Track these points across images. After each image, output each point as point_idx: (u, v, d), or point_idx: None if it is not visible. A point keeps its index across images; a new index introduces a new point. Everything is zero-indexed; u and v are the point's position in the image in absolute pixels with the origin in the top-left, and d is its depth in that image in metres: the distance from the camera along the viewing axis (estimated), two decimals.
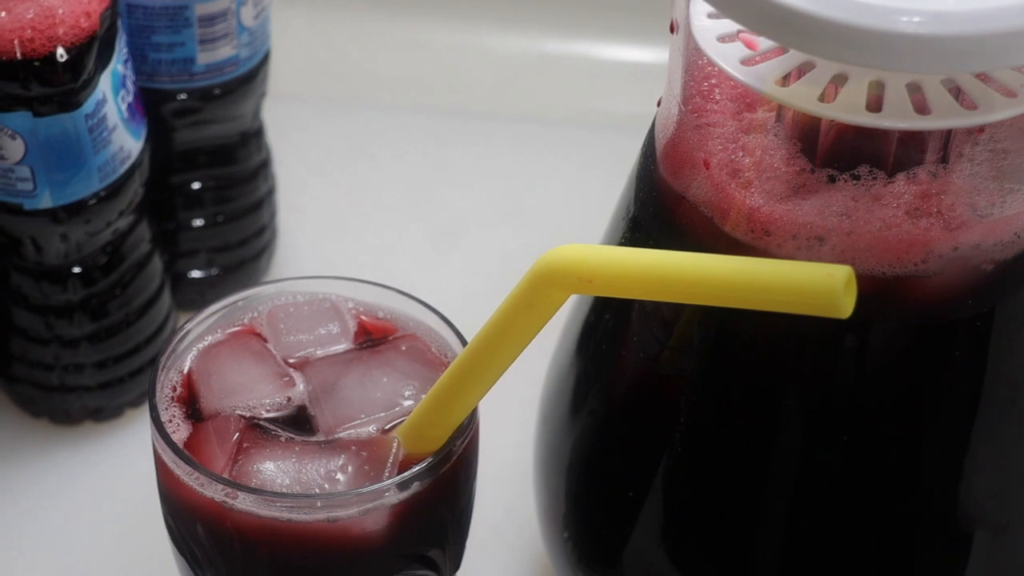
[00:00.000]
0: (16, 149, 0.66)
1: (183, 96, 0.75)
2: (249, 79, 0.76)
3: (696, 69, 0.55)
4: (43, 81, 0.65)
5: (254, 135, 0.80)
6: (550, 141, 0.94)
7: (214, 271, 0.81)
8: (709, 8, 0.52)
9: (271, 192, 0.83)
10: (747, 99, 0.54)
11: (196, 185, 0.79)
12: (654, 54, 0.99)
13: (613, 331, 0.60)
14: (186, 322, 0.59)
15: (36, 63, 0.64)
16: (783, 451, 0.56)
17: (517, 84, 1.00)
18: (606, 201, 0.61)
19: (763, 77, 0.52)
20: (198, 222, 0.80)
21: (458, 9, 1.02)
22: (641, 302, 0.58)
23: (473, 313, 0.55)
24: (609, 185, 0.62)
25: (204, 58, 0.74)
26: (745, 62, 0.52)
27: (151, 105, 0.74)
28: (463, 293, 0.61)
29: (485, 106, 0.97)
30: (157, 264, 0.76)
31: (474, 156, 0.93)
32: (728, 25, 0.53)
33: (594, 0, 0.99)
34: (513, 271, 0.51)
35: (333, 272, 0.61)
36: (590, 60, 1.01)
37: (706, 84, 0.55)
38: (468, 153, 0.93)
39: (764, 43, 0.52)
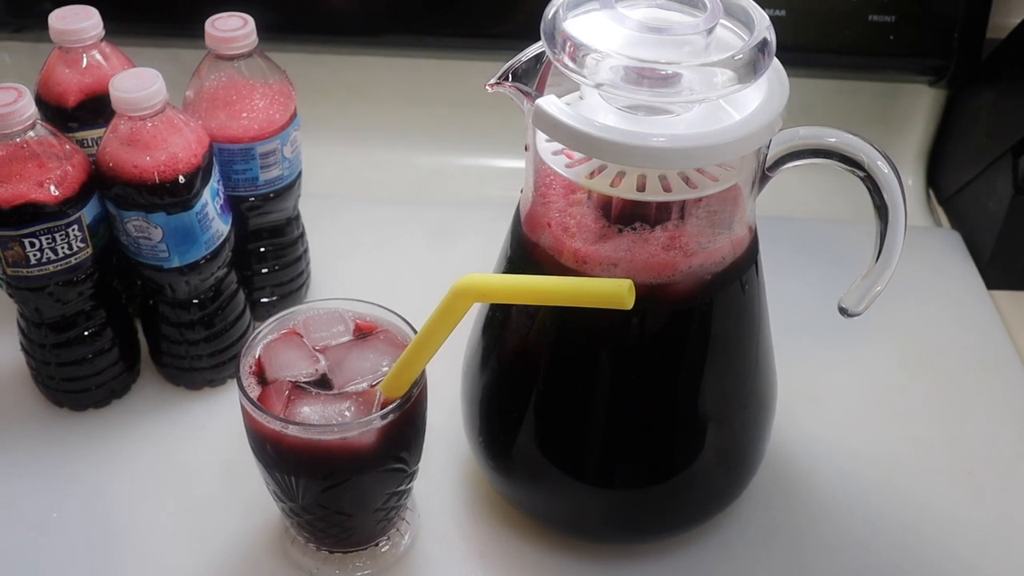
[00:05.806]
0: (157, 234, 0.63)
1: (252, 199, 0.72)
2: (290, 187, 0.73)
3: (541, 171, 0.53)
4: (172, 195, 0.62)
5: (295, 218, 0.77)
6: (458, 213, 0.89)
7: (275, 298, 0.78)
8: (546, 136, 0.50)
9: (306, 251, 0.80)
10: (571, 187, 0.52)
11: (262, 249, 0.76)
12: (513, 163, 0.96)
13: (501, 321, 0.58)
14: (257, 329, 0.57)
15: (168, 184, 0.61)
16: (598, 383, 0.54)
17: (437, 182, 0.96)
18: (496, 249, 0.59)
19: (579, 174, 0.51)
20: (264, 270, 0.76)
21: (405, 140, 0.98)
22: (516, 305, 0.56)
23: (421, 315, 0.52)
24: (497, 239, 0.59)
25: (263, 176, 0.71)
26: (568, 166, 0.51)
27: (234, 204, 0.71)
28: (414, 303, 0.58)
29: (421, 197, 0.93)
30: (241, 296, 0.73)
31: (412, 230, 0.88)
32: (558, 145, 0.52)
33: (480, 131, 0.95)
34: (441, 290, 0.49)
35: (342, 296, 0.59)
36: (484, 167, 0.97)
37: (547, 179, 0.54)
38: (409, 227, 0.88)
39: (577, 155, 0.51)
